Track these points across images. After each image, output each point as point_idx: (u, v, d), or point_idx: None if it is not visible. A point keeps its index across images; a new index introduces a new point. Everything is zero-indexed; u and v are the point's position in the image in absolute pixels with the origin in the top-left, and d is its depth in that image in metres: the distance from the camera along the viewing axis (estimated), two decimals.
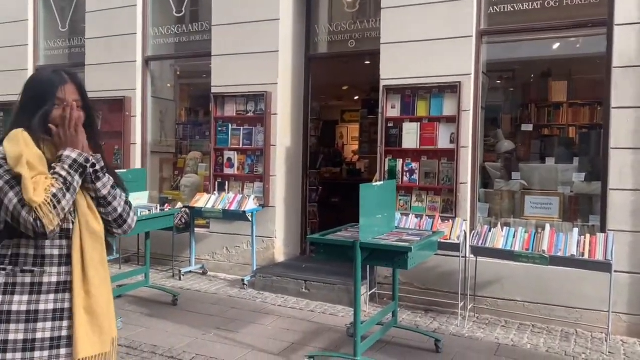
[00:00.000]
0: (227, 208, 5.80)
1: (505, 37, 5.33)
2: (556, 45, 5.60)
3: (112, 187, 1.79)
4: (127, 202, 1.86)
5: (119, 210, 1.80)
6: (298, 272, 5.59)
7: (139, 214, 4.81)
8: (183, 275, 5.96)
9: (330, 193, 8.73)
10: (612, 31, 4.49)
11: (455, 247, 4.64)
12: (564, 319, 4.55)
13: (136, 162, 6.85)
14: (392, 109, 5.34)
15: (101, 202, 1.76)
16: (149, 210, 5.10)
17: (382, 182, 4.16)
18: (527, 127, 5.80)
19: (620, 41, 4.43)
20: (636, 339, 4.31)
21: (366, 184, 3.71)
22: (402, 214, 5.03)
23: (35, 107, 1.72)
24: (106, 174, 1.78)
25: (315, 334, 4.33)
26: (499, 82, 6.52)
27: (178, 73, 7.60)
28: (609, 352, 4.02)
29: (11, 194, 1.58)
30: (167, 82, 7.46)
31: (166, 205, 5.83)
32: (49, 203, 1.58)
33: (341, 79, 9.26)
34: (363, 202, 3.56)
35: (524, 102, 6.36)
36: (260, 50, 5.95)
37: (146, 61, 6.92)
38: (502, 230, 4.47)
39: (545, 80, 6.21)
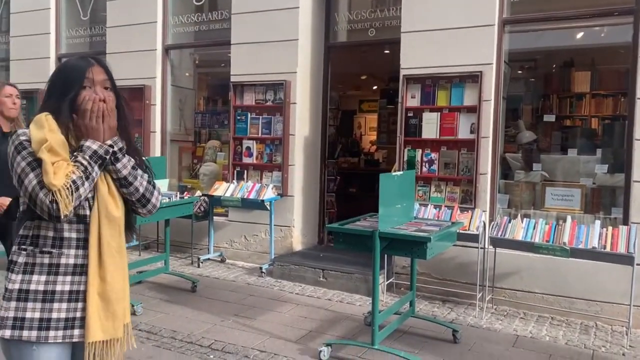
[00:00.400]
0: (245, 197, 5.83)
1: (528, 26, 5.24)
2: (580, 35, 5.49)
3: (133, 167, 1.80)
4: (150, 182, 1.87)
5: (141, 190, 1.81)
6: (316, 261, 5.61)
7: None
8: (202, 262, 6.03)
9: (347, 183, 8.73)
10: (639, 20, 4.39)
11: (474, 238, 4.62)
12: (583, 312, 4.50)
13: (156, 150, 6.91)
14: (411, 99, 5.30)
15: (122, 183, 1.77)
16: (169, 198, 5.15)
17: (401, 172, 4.14)
18: (549, 118, 5.71)
19: None
20: None
21: (386, 174, 3.70)
22: (420, 205, 5.01)
23: (63, 92, 1.74)
24: (125, 155, 1.78)
25: (332, 322, 4.35)
26: (520, 72, 6.43)
27: (197, 62, 7.63)
28: (630, 346, 3.98)
29: (32, 175, 1.61)
30: (186, 70, 7.49)
31: (185, 193, 5.89)
32: (67, 188, 1.61)
33: (360, 69, 9.20)
34: (382, 192, 3.55)
35: (545, 92, 6.26)
36: (279, 39, 5.94)
37: (166, 50, 6.96)
38: (522, 222, 4.43)
39: (568, 70, 6.10)
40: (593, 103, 5.98)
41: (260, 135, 6.20)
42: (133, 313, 4.36)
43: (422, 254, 3.46)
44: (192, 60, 7.56)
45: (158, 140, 6.97)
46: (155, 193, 1.88)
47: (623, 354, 3.85)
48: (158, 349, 3.75)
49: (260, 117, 6.21)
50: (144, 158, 1.94)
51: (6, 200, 3.23)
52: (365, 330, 4.07)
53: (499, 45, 4.96)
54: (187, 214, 5.48)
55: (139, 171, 1.83)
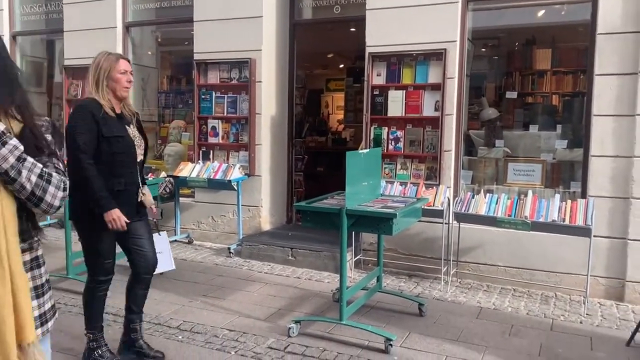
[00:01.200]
0: (212, 177, 5.78)
1: (491, 4, 5.30)
2: (541, 13, 5.57)
3: (18, 158, 1.44)
4: (43, 176, 1.51)
5: (29, 187, 1.47)
6: (284, 240, 5.63)
7: None
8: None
9: (315, 162, 8.74)
10: None
11: (438, 214, 4.71)
12: (544, 283, 4.66)
13: None
14: (377, 77, 5.31)
15: (4, 179, 1.44)
16: None
17: (367, 150, 4.16)
18: (512, 95, 5.82)
19: (606, 7, 4.42)
20: (613, 301, 4.44)
21: (352, 152, 3.71)
22: (387, 182, 5.07)
23: None
24: (7, 144, 1.42)
25: (301, 300, 4.39)
26: (484, 49, 6.51)
27: (159, 40, 7.44)
28: (587, 314, 4.15)
29: None
30: (148, 49, 7.31)
31: (150, 174, 5.79)
32: None
33: (326, 47, 9.15)
34: (349, 170, 3.57)
35: (508, 69, 6.36)
36: (243, 15, 5.84)
37: (127, 27, 6.76)
38: (485, 197, 4.53)
39: (530, 48, 6.21)
40: (554, 80, 6.12)
41: (225, 114, 6.12)
42: None
43: (388, 230, 3.51)
44: (154, 38, 7.37)
45: None
46: (51, 189, 1.52)
47: (580, 322, 4.01)
48: None
49: (226, 96, 6.12)
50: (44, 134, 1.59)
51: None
52: (334, 306, 4.12)
53: (463, 22, 4.99)
54: (152, 195, 5.38)
55: (28, 163, 1.47)
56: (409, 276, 5.04)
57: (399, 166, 5.30)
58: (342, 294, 3.61)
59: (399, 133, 5.27)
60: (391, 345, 3.43)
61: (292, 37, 6.25)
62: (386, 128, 5.32)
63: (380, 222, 3.54)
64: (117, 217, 2.93)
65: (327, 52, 9.96)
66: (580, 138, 4.85)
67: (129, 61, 3.13)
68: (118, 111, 3.06)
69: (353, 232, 5.00)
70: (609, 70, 4.42)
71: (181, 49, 7.33)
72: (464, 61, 5.05)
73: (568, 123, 5.27)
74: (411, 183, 5.04)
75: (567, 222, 4.19)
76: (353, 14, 5.81)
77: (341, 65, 10.80)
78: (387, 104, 5.28)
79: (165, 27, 7.17)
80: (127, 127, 3.09)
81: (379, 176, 4.30)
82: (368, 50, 5.25)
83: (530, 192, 4.45)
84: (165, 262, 3.54)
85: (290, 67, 6.31)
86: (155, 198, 5.59)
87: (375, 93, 5.33)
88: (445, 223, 4.75)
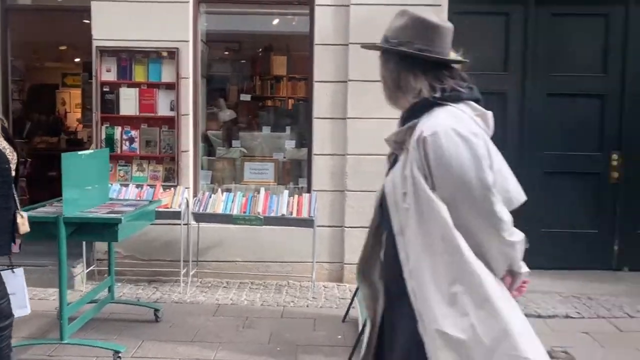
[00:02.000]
0: None
1: (221, 7, 5.44)
2: (276, 21, 5.95)
3: None
4: None
5: None
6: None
7: None
8: None
9: (48, 166, 7.80)
10: (314, 11, 4.96)
11: (177, 215, 4.63)
12: (278, 273, 4.99)
13: None
14: (107, 73, 4.99)
15: None
16: None
17: (90, 151, 3.87)
18: (246, 97, 6.14)
19: (320, 21, 4.92)
20: (335, 283, 4.99)
21: (69, 153, 3.42)
22: (121, 185, 4.80)
23: None
24: None
25: (19, 323, 3.82)
26: (227, 52, 6.69)
27: None
28: (313, 297, 4.57)
29: None
30: None
31: None
32: None
33: (56, 38, 8.24)
34: (66, 174, 3.28)
35: (250, 74, 6.67)
36: None
37: None
38: (222, 196, 4.64)
39: (268, 55, 6.61)
40: (289, 86, 6.65)
41: None
42: None
43: (113, 237, 3.34)
44: None
45: None
46: None
47: (307, 306, 4.40)
48: None
49: None
50: None
51: None
52: (58, 325, 3.71)
53: (195, 24, 5.00)
54: None
55: None
56: (149, 282, 4.86)
57: (135, 168, 5.06)
58: (62, 311, 3.29)
59: (134, 133, 5.03)
60: (120, 357, 3.24)
61: (4, 23, 5.42)
62: (119, 127, 5.03)
63: (104, 229, 3.34)
64: None
65: (58, 44, 9.01)
66: (306, 139, 5.32)
67: None
68: None
69: (84, 242, 4.60)
70: (325, 77, 4.94)
71: None
72: (198, 62, 5.08)
73: (296, 125, 5.75)
74: (148, 185, 4.85)
75: (294, 215, 4.55)
76: (78, 4, 5.29)
77: (77, 59, 9.87)
78: (119, 101, 4.99)
79: None
80: None
81: (107, 179, 4.04)
82: (95, 43, 4.89)
83: (262, 189, 4.71)
84: (19, 305, 2.82)
85: (3, 57, 5.47)
86: None
87: (105, 90, 4.99)
88: (184, 224, 4.70)
